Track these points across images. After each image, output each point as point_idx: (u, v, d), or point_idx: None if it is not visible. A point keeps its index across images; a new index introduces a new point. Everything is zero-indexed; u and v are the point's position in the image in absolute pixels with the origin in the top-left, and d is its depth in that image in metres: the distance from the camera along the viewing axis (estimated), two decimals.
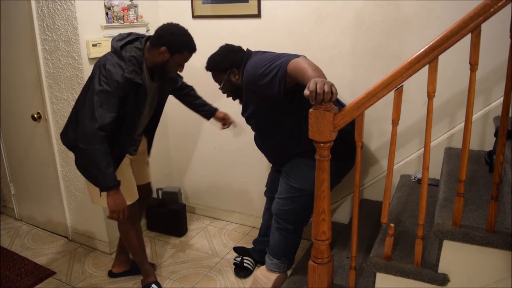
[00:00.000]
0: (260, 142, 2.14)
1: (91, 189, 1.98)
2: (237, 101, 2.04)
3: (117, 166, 1.95)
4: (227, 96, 2.06)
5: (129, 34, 1.91)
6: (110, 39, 1.91)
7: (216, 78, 2.03)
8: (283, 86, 1.68)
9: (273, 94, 1.72)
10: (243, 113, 2.04)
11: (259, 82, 1.76)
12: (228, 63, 1.94)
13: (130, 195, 2.05)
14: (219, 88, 2.03)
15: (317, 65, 1.60)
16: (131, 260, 2.40)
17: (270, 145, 2.09)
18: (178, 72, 1.98)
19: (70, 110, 2.41)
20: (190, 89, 2.33)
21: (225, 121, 2.41)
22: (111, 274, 2.40)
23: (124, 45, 1.83)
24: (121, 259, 2.39)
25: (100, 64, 1.79)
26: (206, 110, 2.36)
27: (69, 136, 1.94)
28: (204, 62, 2.07)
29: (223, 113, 2.39)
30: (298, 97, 1.78)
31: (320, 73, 1.51)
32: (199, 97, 2.35)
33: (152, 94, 1.97)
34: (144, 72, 1.85)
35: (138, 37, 1.90)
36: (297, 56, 1.71)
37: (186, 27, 1.88)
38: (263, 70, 1.73)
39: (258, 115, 1.96)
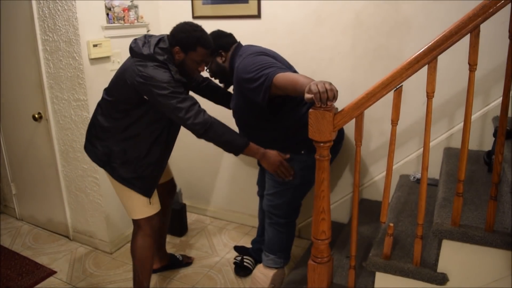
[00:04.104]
0: None
1: (132, 201, 1.91)
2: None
3: (160, 176, 1.99)
4: (214, 78, 2.08)
5: (146, 36, 1.81)
6: (129, 46, 1.78)
7: None
8: (267, 96, 1.71)
9: (257, 100, 1.75)
10: (231, 103, 2.05)
11: (247, 85, 1.78)
12: (216, 45, 1.94)
13: (157, 206, 1.99)
14: (206, 69, 2.01)
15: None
16: (169, 255, 2.41)
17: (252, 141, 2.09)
18: (199, 70, 1.87)
19: (71, 110, 2.43)
20: (208, 80, 2.22)
21: None
22: None
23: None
24: (159, 254, 2.36)
25: (136, 78, 1.68)
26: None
27: (98, 152, 1.87)
28: None
29: None
30: (283, 110, 1.81)
31: (311, 80, 1.50)
32: (220, 87, 2.22)
33: None
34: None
35: (159, 38, 1.79)
36: (286, 70, 1.73)
37: None
38: (252, 76, 1.74)
39: (242, 113, 1.98)
